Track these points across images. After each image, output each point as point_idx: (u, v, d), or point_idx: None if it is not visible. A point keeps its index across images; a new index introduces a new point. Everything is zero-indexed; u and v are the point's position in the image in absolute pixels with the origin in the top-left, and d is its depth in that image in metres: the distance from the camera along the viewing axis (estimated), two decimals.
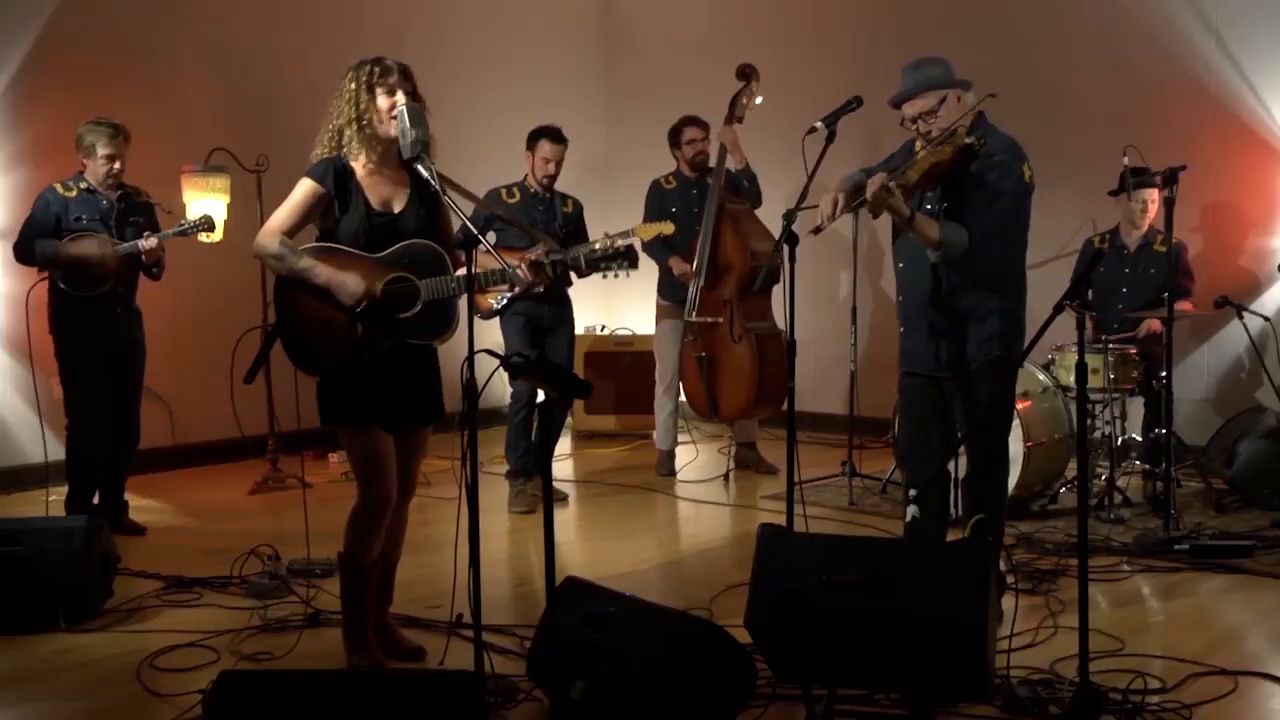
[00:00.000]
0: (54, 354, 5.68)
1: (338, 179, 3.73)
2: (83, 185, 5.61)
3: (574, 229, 6.36)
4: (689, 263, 6.69)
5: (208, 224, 5.83)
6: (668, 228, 6.61)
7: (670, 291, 6.93)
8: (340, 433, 3.84)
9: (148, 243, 5.55)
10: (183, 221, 5.82)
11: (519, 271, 3.86)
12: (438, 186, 3.62)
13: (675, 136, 6.96)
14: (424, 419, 3.91)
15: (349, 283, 3.67)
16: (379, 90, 3.71)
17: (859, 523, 5.75)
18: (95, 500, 5.73)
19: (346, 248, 3.73)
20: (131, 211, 5.70)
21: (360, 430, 3.76)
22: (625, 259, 4.00)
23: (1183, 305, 6.20)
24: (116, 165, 5.59)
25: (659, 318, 7.07)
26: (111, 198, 5.63)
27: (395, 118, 3.67)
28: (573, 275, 4.39)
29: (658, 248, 6.80)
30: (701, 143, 6.87)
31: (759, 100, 6.74)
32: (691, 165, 6.89)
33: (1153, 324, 6.07)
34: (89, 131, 5.57)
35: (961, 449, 4.40)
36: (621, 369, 8.38)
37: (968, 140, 4.08)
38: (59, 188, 5.59)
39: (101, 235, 5.53)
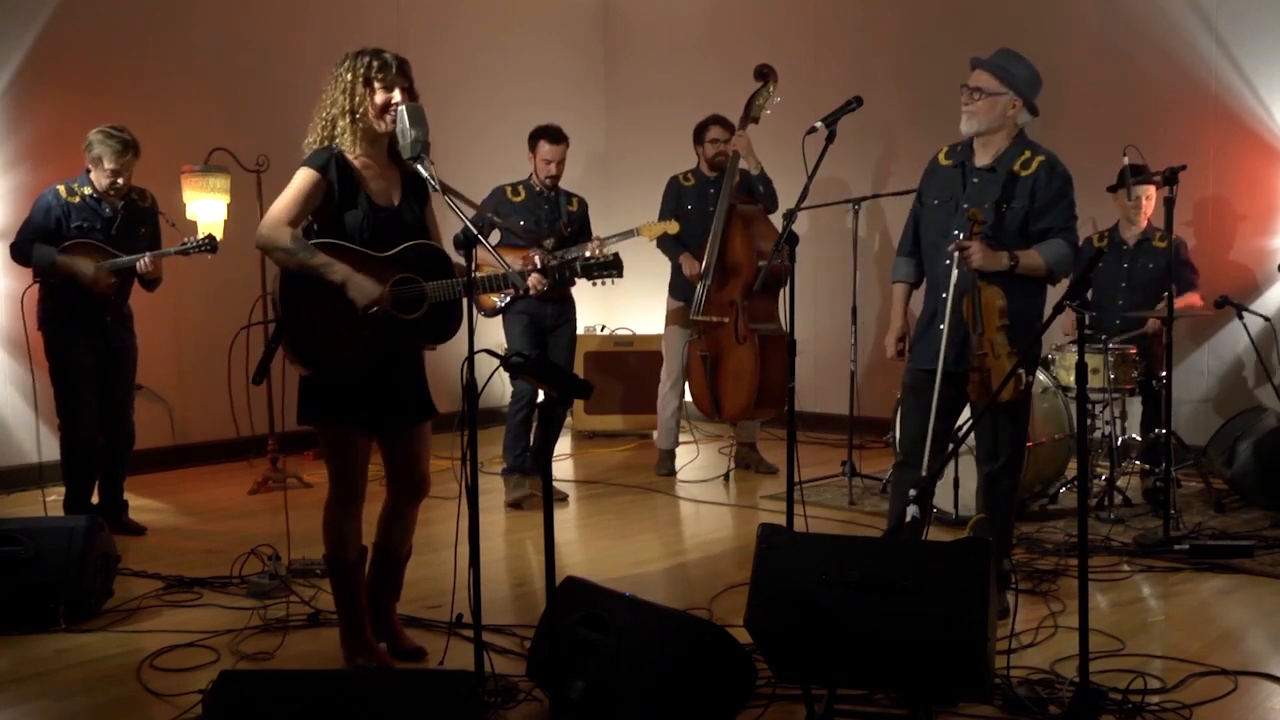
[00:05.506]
0: (44, 352, 5.62)
1: (339, 170, 3.65)
2: (86, 191, 5.52)
3: (579, 228, 6.38)
4: (699, 262, 6.70)
5: (210, 245, 5.64)
6: (672, 227, 6.62)
7: (681, 292, 6.91)
8: (316, 430, 3.80)
9: (144, 263, 5.47)
10: (186, 240, 5.64)
11: (523, 274, 3.82)
12: (438, 187, 3.55)
13: (699, 134, 6.93)
14: (416, 418, 3.87)
15: (366, 283, 3.59)
16: (376, 85, 3.63)
17: (859, 523, 5.75)
18: (95, 500, 5.72)
19: (349, 244, 3.65)
20: (136, 219, 5.64)
21: (335, 429, 3.73)
22: (613, 269, 4.07)
23: (1191, 297, 6.22)
24: (120, 180, 5.50)
25: (669, 318, 7.07)
26: (116, 205, 5.57)
27: (391, 115, 3.61)
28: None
29: (670, 243, 6.81)
30: (724, 143, 6.81)
31: (777, 100, 6.67)
32: (711, 165, 6.86)
33: (1154, 322, 6.07)
34: (99, 143, 5.44)
35: (971, 446, 4.38)
36: (622, 369, 8.38)
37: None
38: (62, 191, 5.52)
39: (97, 254, 5.44)
